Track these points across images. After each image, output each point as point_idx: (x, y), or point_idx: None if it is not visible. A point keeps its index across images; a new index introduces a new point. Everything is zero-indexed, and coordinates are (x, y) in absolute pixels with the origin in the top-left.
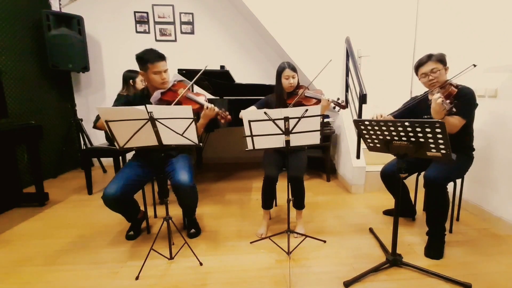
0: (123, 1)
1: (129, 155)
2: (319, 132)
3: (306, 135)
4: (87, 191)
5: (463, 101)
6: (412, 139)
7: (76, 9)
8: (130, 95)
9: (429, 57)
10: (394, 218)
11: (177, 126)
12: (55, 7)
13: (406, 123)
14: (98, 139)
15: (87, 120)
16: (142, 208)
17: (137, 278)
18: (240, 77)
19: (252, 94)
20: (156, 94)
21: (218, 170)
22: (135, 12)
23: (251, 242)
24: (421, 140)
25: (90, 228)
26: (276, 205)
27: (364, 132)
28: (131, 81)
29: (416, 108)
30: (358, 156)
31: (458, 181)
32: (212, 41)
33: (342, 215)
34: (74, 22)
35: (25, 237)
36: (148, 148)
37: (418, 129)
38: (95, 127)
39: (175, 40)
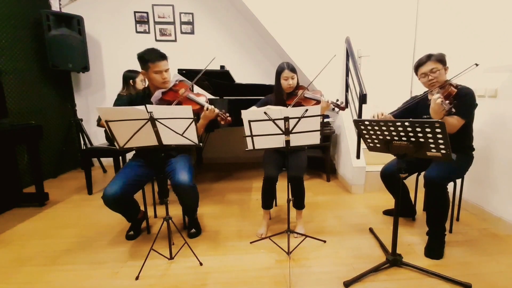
0: (123, 1)
1: (129, 155)
2: (319, 132)
3: (306, 135)
4: (87, 191)
5: (463, 101)
6: (412, 139)
7: (76, 9)
8: (133, 94)
9: (429, 57)
10: (394, 218)
11: (177, 126)
12: (55, 7)
13: (406, 123)
14: (98, 139)
15: (87, 120)
16: (142, 208)
17: (137, 278)
18: (240, 77)
19: (252, 94)
20: (157, 94)
21: (218, 170)
22: (135, 12)
23: (251, 242)
24: (421, 140)
25: (90, 228)
26: (276, 205)
27: (364, 132)
28: (131, 81)
29: (415, 108)
30: (358, 156)
31: (458, 181)
32: (212, 41)
33: (342, 215)
34: (74, 22)
35: (25, 237)
36: (148, 148)
37: (418, 129)
38: (99, 125)
39: (175, 40)
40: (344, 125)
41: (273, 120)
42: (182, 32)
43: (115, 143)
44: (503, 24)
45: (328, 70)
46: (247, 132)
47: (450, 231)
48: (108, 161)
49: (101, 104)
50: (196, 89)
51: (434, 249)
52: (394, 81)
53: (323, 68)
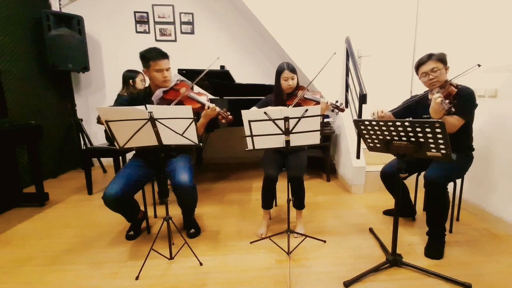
0: (123, 1)
1: (129, 155)
2: (319, 132)
3: (306, 135)
4: (87, 191)
5: (463, 101)
6: (412, 139)
7: (76, 9)
8: (134, 92)
9: (430, 57)
10: (394, 218)
11: (177, 126)
12: (55, 7)
13: (406, 123)
14: (98, 139)
15: (87, 120)
16: (142, 208)
17: (137, 278)
18: (240, 77)
19: (252, 94)
20: (158, 93)
21: (218, 170)
22: (135, 12)
23: (251, 242)
24: (421, 140)
25: (90, 228)
26: (276, 205)
27: (364, 132)
28: (131, 81)
29: (415, 107)
30: (358, 156)
31: (458, 181)
32: (212, 41)
33: (342, 215)
34: (74, 22)
35: (25, 237)
36: (148, 148)
37: (418, 129)
38: (99, 122)
39: (175, 40)
40: (344, 125)
41: (273, 120)
42: (182, 32)
43: (115, 143)
44: (503, 24)
45: (328, 70)
46: (247, 132)
47: (450, 231)
48: (108, 161)
49: (101, 104)
50: (197, 89)
51: (434, 249)
52: (394, 81)
53: (323, 67)
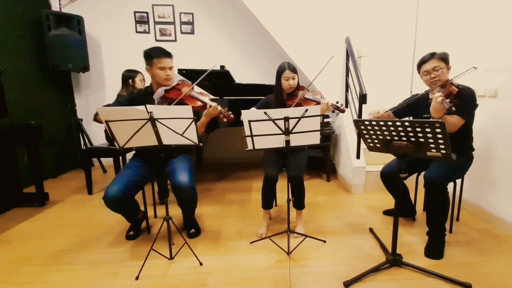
0: (123, 1)
1: (129, 155)
2: (319, 132)
3: (306, 135)
4: (87, 191)
5: (463, 101)
6: (412, 139)
7: (76, 9)
8: (135, 92)
9: (432, 55)
10: (394, 218)
11: (177, 126)
12: (55, 7)
13: (406, 123)
14: (98, 139)
15: (87, 120)
16: (142, 208)
17: (137, 278)
18: (240, 77)
19: (252, 94)
20: (160, 91)
21: (218, 170)
22: (135, 12)
23: (251, 242)
24: (421, 140)
25: (90, 228)
26: (276, 205)
27: (364, 132)
28: (130, 80)
29: (416, 107)
30: (358, 156)
31: (458, 181)
32: (212, 41)
33: (342, 215)
34: (74, 22)
35: (25, 237)
36: (148, 148)
37: (418, 129)
38: (95, 119)
39: (175, 40)
40: (344, 125)
41: (273, 120)
42: (182, 32)
43: (115, 143)
44: (503, 24)
45: (328, 70)
46: (247, 132)
47: (450, 231)
48: (108, 161)
49: (101, 104)
50: (198, 89)
51: (434, 249)
52: (394, 81)
53: (320, 70)
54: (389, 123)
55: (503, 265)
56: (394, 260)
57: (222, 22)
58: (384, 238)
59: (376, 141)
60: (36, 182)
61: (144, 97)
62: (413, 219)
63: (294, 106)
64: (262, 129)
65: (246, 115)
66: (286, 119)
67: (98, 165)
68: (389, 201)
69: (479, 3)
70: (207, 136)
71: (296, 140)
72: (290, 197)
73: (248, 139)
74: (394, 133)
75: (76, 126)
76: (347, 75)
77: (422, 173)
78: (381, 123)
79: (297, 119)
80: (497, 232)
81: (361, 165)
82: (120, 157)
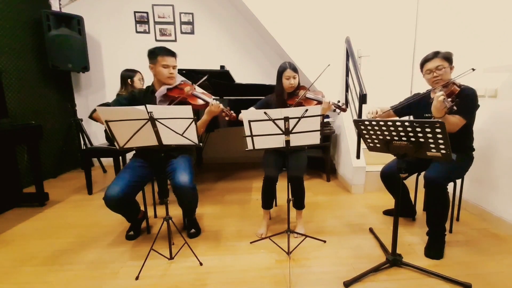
0: (123, 1)
1: (129, 155)
2: (319, 132)
3: (306, 135)
4: (87, 191)
5: (465, 101)
6: (412, 139)
7: (76, 9)
8: (135, 91)
9: (436, 54)
10: (394, 218)
11: (177, 126)
12: (55, 7)
13: (406, 123)
14: (98, 139)
15: (87, 120)
16: (142, 208)
17: (137, 278)
18: (240, 77)
19: (252, 94)
20: (162, 89)
21: (218, 170)
22: (135, 12)
23: (251, 242)
24: (421, 140)
25: (90, 228)
26: (276, 205)
27: (364, 132)
28: (129, 80)
29: (417, 106)
30: (358, 156)
31: (458, 181)
32: (212, 41)
33: (342, 215)
34: (74, 22)
35: (25, 237)
36: (148, 148)
37: (418, 129)
38: (90, 117)
39: (175, 40)
40: (344, 125)
41: (273, 120)
42: (182, 32)
43: (115, 143)
44: (503, 24)
45: (328, 71)
46: (247, 132)
47: (450, 231)
48: (108, 161)
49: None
50: (199, 89)
51: (434, 249)
52: (394, 81)
53: (318, 76)
54: (389, 123)
55: (503, 265)
56: (394, 260)
57: (222, 22)
58: (384, 238)
59: (376, 141)
60: (36, 182)
61: (144, 96)
62: (413, 219)
63: (295, 105)
64: (262, 129)
65: (246, 115)
66: (286, 119)
67: (98, 165)
68: (389, 201)
69: (479, 3)
70: (207, 136)
71: (296, 140)
72: (290, 197)
73: (248, 139)
74: (394, 133)
75: (76, 126)
76: (347, 75)
77: (422, 173)
78: (381, 123)
79: (297, 119)
80: (497, 232)
81: (361, 165)
82: (120, 157)
